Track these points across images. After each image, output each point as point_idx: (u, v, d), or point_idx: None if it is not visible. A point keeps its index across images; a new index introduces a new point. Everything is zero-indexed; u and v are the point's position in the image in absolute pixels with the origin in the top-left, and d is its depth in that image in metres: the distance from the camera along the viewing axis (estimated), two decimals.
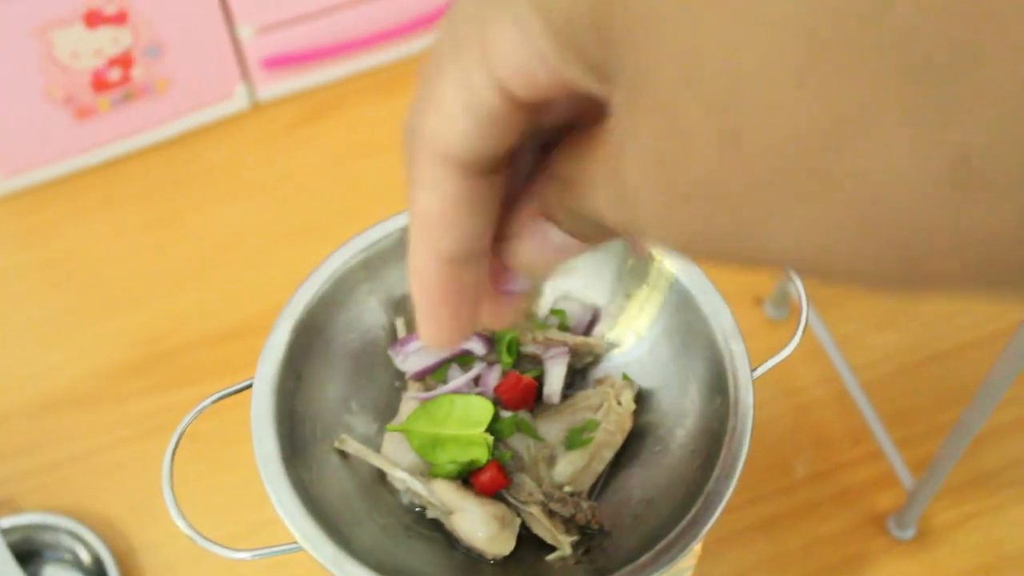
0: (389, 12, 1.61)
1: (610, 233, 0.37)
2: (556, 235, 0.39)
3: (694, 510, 0.80)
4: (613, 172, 0.32)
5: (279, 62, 1.58)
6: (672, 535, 0.80)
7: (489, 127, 0.35)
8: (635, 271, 0.92)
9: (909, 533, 1.27)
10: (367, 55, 1.66)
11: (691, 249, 0.31)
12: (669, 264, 0.89)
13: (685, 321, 0.90)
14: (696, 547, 0.99)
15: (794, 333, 0.89)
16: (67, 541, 1.23)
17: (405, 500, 0.89)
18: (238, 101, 1.62)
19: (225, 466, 1.31)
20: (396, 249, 0.92)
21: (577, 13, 0.29)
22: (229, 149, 1.61)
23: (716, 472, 0.82)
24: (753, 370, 0.86)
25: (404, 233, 0.92)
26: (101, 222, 1.56)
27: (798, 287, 0.91)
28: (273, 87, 1.63)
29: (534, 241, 0.40)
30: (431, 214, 0.38)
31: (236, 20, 1.51)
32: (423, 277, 0.40)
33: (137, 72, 1.49)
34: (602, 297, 0.95)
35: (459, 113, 0.35)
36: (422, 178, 0.38)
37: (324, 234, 1.45)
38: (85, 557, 1.22)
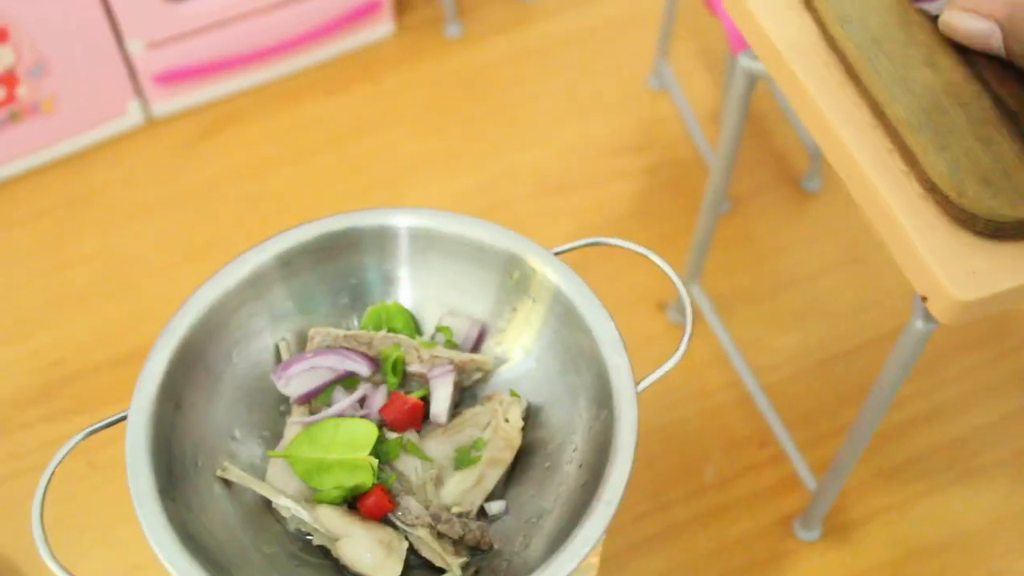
0: (283, 25, 1.59)
1: None
2: None
3: (581, 527, 0.79)
4: None
5: (172, 77, 1.55)
6: (559, 553, 0.78)
7: None
8: (519, 284, 0.91)
9: (815, 534, 1.27)
10: (263, 68, 1.63)
11: None
12: (551, 276, 0.88)
13: (569, 335, 0.89)
14: (594, 560, 0.98)
15: (685, 343, 0.88)
16: None
17: (291, 527, 0.87)
18: (132, 118, 1.58)
19: (117, 500, 1.27)
20: (277, 270, 0.90)
21: None
22: (124, 168, 1.58)
23: (602, 486, 0.80)
24: (638, 383, 0.85)
25: (285, 255, 0.90)
26: None
27: (683, 296, 0.90)
28: (168, 103, 1.60)
29: None
30: None
31: (125, 35, 1.48)
32: None
33: (22, 91, 1.45)
34: (488, 312, 0.93)
35: None
36: None
37: (225, 252, 1.42)
38: None
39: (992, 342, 1.45)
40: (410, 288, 0.94)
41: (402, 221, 0.91)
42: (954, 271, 0.79)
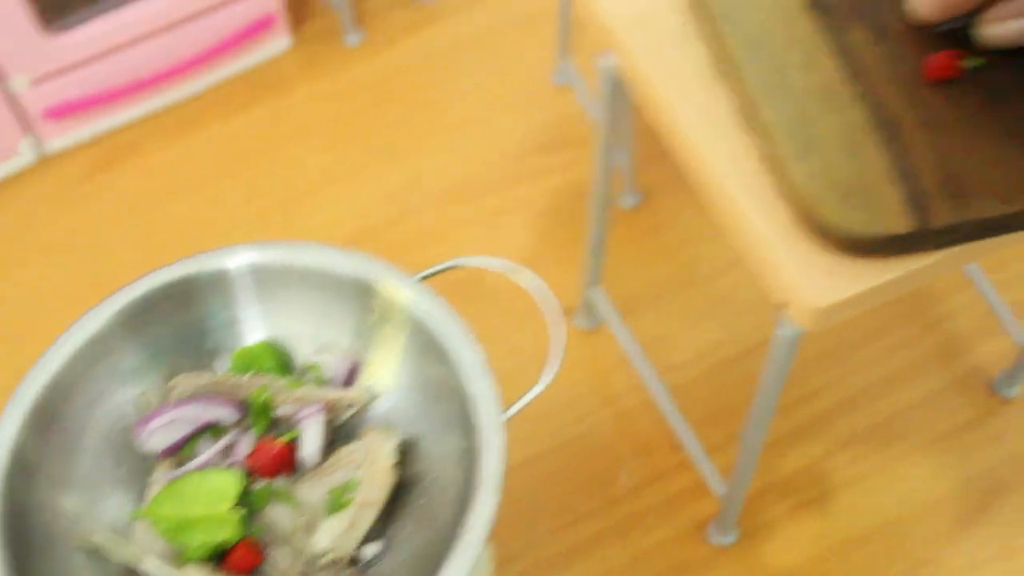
0: (174, 48, 1.55)
1: None
2: None
3: (448, 564, 0.77)
4: None
5: (63, 111, 1.52)
6: None
7: None
8: (383, 313, 0.89)
9: (731, 537, 1.26)
10: (159, 93, 1.60)
11: None
12: (411, 303, 0.86)
13: (433, 364, 0.86)
14: None
15: (555, 366, 0.86)
16: None
17: None
18: (24, 157, 1.55)
19: None
20: (126, 324, 0.87)
21: None
22: (19, 208, 1.55)
23: (471, 519, 0.78)
24: (506, 410, 0.83)
25: (129, 309, 0.88)
26: None
27: (551, 316, 0.87)
28: (61, 138, 1.57)
29: None
30: None
31: (7, 72, 1.44)
32: None
33: None
34: (357, 344, 0.91)
35: None
36: None
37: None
38: None
39: (908, 321, 1.44)
40: (272, 326, 0.92)
41: (241, 260, 0.89)
42: (808, 278, 0.77)
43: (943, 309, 1.45)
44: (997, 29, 0.84)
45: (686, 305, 1.44)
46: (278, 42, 1.67)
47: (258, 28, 1.61)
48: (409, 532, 0.87)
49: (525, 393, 0.86)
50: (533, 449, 1.32)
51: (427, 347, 0.87)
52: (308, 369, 0.93)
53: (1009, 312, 1.40)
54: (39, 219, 1.54)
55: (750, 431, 1.02)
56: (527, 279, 0.88)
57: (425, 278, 0.89)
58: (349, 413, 0.91)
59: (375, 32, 1.73)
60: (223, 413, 0.89)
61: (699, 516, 1.28)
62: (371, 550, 0.86)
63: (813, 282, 0.77)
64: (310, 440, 0.89)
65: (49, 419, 0.84)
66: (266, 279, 0.90)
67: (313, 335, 0.93)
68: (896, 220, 0.76)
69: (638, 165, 1.53)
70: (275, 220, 1.52)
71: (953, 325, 1.44)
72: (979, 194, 0.77)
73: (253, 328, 0.92)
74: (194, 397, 0.89)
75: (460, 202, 1.54)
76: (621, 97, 1.04)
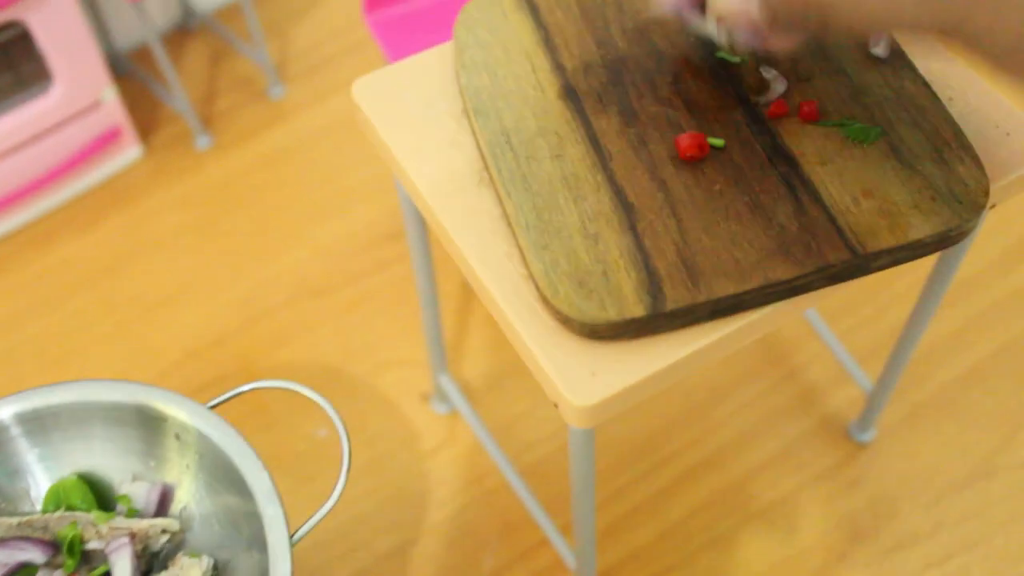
0: (23, 167, 1.56)
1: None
2: None
3: None
4: None
5: None
6: None
7: None
8: (180, 441, 0.89)
9: None
10: (10, 213, 1.61)
11: None
12: (203, 430, 0.87)
13: (229, 489, 0.87)
14: None
15: (340, 486, 0.87)
16: None
17: None
18: None
19: None
20: None
21: None
22: None
23: None
24: (292, 534, 0.83)
25: None
26: None
27: (334, 419, 0.88)
28: None
29: None
30: None
31: None
32: None
33: None
34: (162, 472, 0.92)
35: None
36: None
37: None
38: None
39: (761, 375, 1.46)
40: (78, 461, 0.93)
41: (16, 408, 0.90)
42: (573, 378, 0.78)
43: (794, 362, 1.48)
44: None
45: (531, 386, 1.45)
46: (128, 152, 1.68)
47: (105, 141, 1.62)
48: None
49: (311, 517, 0.87)
50: (399, 537, 1.32)
51: (221, 473, 0.88)
52: (118, 501, 0.93)
53: (853, 361, 1.43)
54: None
55: (576, 513, 1.03)
56: (313, 396, 0.90)
57: (215, 406, 0.90)
58: (163, 540, 0.92)
59: (224, 134, 1.75)
60: (33, 554, 0.89)
61: None
62: None
63: (577, 383, 0.78)
64: (120, 572, 0.89)
65: None
66: (53, 421, 0.91)
67: (122, 466, 0.94)
68: (629, 306, 0.78)
69: None
70: (130, 334, 1.52)
71: (805, 376, 1.47)
72: (713, 275, 0.79)
73: (61, 465, 0.93)
74: (3, 541, 0.89)
75: (313, 298, 1.55)
76: (415, 216, 1.07)
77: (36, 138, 1.56)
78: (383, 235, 1.61)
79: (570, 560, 1.24)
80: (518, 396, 1.44)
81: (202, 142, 1.72)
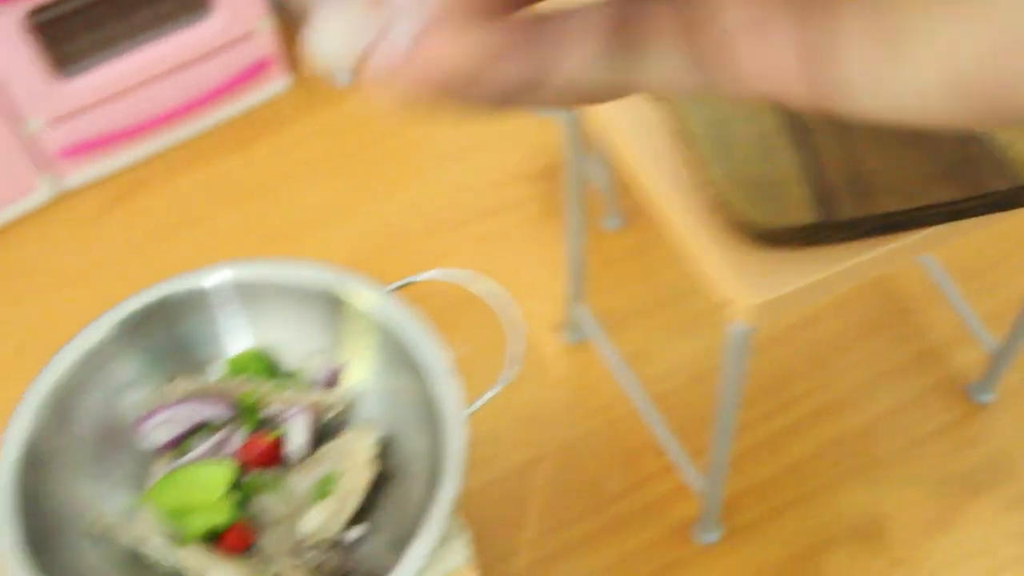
0: (180, 89, 1.64)
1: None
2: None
3: (414, 545, 0.83)
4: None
5: (78, 150, 1.61)
6: (400, 565, 0.83)
7: None
8: (358, 321, 0.96)
9: (714, 536, 1.31)
10: (166, 132, 1.69)
11: None
12: (385, 311, 0.93)
13: (402, 369, 0.94)
14: None
15: (511, 371, 0.92)
16: None
17: (162, 571, 0.92)
18: (42, 193, 1.64)
19: None
20: (128, 334, 0.95)
21: None
22: (39, 242, 1.63)
23: (435, 505, 0.85)
24: (470, 405, 0.89)
25: (129, 321, 0.96)
26: None
27: (511, 324, 0.94)
28: (78, 174, 1.65)
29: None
30: None
31: (24, 114, 1.53)
32: None
33: None
34: (337, 350, 0.98)
35: None
36: None
37: None
38: None
39: (884, 331, 1.49)
40: (259, 336, 1.00)
41: (225, 277, 0.97)
42: (745, 278, 0.84)
43: (918, 320, 1.51)
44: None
45: (666, 321, 1.50)
46: (277, 83, 1.76)
47: (256, 71, 1.70)
48: (388, 517, 0.94)
49: (483, 395, 0.92)
50: (527, 455, 1.38)
51: (398, 352, 0.94)
52: (294, 374, 1.00)
53: (979, 321, 1.45)
54: (57, 252, 1.62)
55: (719, 425, 1.08)
56: (487, 287, 0.95)
57: (395, 290, 0.97)
58: (331, 414, 0.98)
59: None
60: (216, 412, 0.96)
61: (684, 517, 1.34)
62: (354, 533, 0.93)
63: (748, 282, 0.84)
64: (296, 436, 0.96)
65: (58, 418, 0.92)
66: (250, 294, 0.97)
67: (297, 343, 1.00)
68: (803, 213, 0.83)
69: (620, 190, 1.60)
70: (276, 250, 1.60)
71: (928, 335, 1.49)
72: (882, 192, 0.84)
73: (243, 338, 1.00)
74: (189, 398, 0.96)
75: (452, 228, 1.61)
76: (577, 131, 1.12)
77: (192, 63, 1.63)
78: (521, 175, 1.67)
79: (697, 485, 1.28)
80: (647, 331, 1.49)
81: (345, 77, 1.79)
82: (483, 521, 1.32)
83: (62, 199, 1.67)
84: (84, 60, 1.56)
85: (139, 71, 1.59)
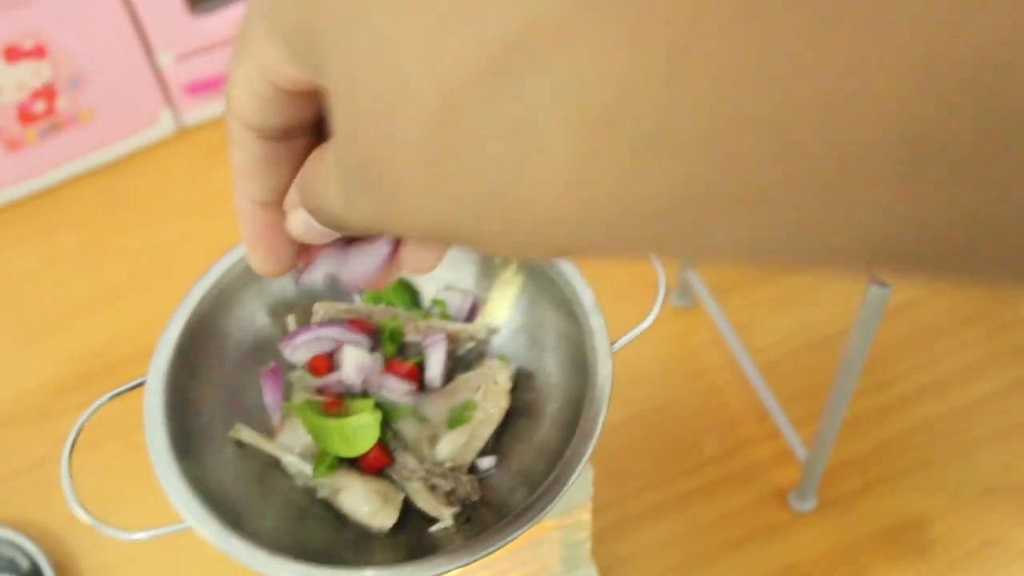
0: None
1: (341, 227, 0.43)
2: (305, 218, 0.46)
3: (553, 474, 0.86)
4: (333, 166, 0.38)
5: (201, 87, 1.65)
6: (535, 503, 0.85)
7: (267, 104, 0.43)
8: (505, 257, 0.98)
9: (809, 505, 1.33)
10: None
11: (375, 227, 0.37)
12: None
13: (549, 302, 0.96)
14: (585, 517, 1.05)
15: (658, 307, 0.95)
16: (6, 550, 1.29)
17: (299, 483, 0.95)
18: (164, 127, 1.68)
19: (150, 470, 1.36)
20: None
21: (287, 19, 0.36)
22: (157, 174, 1.67)
23: (575, 437, 0.87)
24: (613, 343, 0.92)
25: None
26: (37, 249, 1.62)
27: (660, 275, 0.96)
28: (197, 112, 1.69)
29: (298, 216, 0.47)
30: (239, 166, 0.48)
31: (155, 48, 1.57)
32: (243, 216, 0.50)
33: (61, 103, 1.55)
34: (477, 284, 1.01)
35: (245, 92, 0.44)
36: (232, 136, 0.47)
37: None
38: (24, 563, 1.28)
39: (986, 319, 1.50)
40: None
41: None
42: None
43: (1020, 310, 1.51)
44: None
45: (772, 292, 1.52)
46: None
47: None
48: (520, 451, 0.96)
49: (631, 330, 0.94)
50: (627, 412, 1.41)
51: (543, 289, 0.96)
52: (434, 304, 1.03)
53: None
54: (175, 184, 1.67)
55: (836, 389, 1.09)
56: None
57: None
58: (469, 345, 1.01)
59: None
60: (358, 336, 0.99)
61: (781, 483, 1.36)
62: (486, 462, 0.96)
63: None
64: (434, 364, 0.98)
65: (209, 327, 0.95)
66: None
67: (440, 276, 1.03)
68: None
69: None
70: None
71: None
72: None
73: None
74: (334, 321, 0.99)
75: None
76: None
77: None
78: None
79: (799, 452, 1.30)
80: (750, 304, 1.51)
81: None
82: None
83: (182, 134, 1.71)
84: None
85: None
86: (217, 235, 1.61)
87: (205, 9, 1.59)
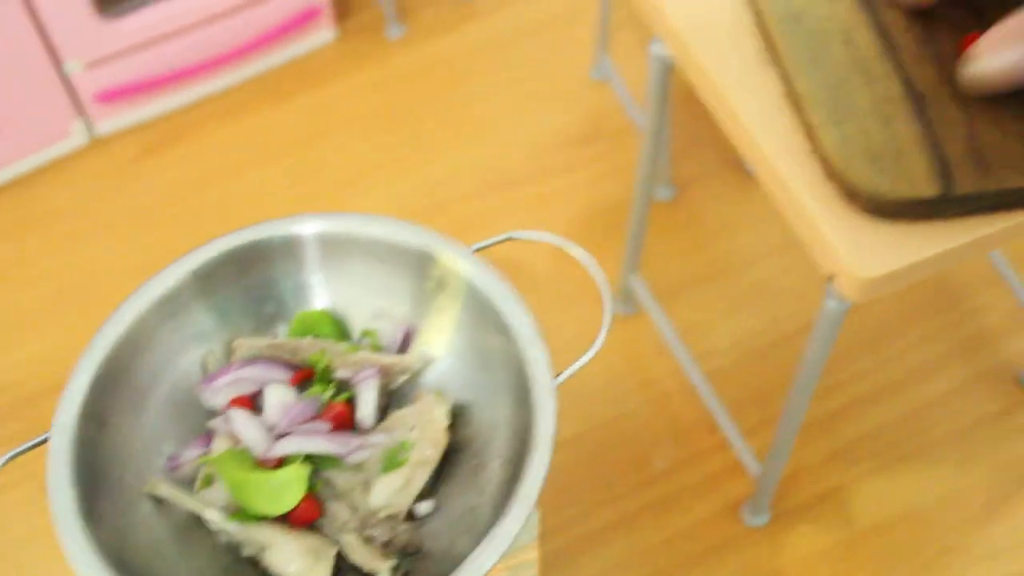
0: (222, 37, 1.59)
1: None
2: None
3: (499, 524, 0.80)
4: None
5: (114, 95, 1.56)
6: (479, 551, 0.79)
7: None
8: (438, 283, 0.92)
9: (763, 519, 1.28)
10: (206, 81, 1.64)
11: None
12: (466, 273, 0.89)
13: (487, 331, 0.89)
14: (531, 556, 0.99)
15: (602, 337, 0.89)
16: None
17: (223, 540, 0.88)
18: (76, 138, 1.59)
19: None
20: (194, 286, 0.91)
21: None
22: (71, 188, 1.59)
23: (521, 482, 0.81)
24: (556, 375, 0.86)
25: (199, 271, 0.91)
26: None
27: (602, 288, 0.90)
28: (112, 121, 1.60)
29: None
30: None
31: (62, 56, 1.48)
32: None
33: None
34: (412, 312, 0.94)
35: None
36: None
37: None
38: None
39: (938, 314, 1.46)
40: (332, 293, 0.95)
41: (309, 228, 0.92)
42: (856, 250, 0.80)
43: (971, 305, 1.48)
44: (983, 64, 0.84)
45: (722, 293, 1.47)
46: (323, 34, 1.71)
47: (303, 20, 1.65)
48: (461, 492, 0.90)
49: (572, 363, 0.88)
50: (572, 430, 1.35)
51: (482, 316, 0.90)
52: (365, 335, 0.96)
53: None
54: (90, 199, 1.58)
55: (791, 403, 1.04)
56: (577, 252, 0.92)
57: (479, 250, 0.92)
58: (404, 378, 0.94)
59: (416, 26, 1.77)
60: (284, 375, 0.92)
61: (733, 497, 1.31)
62: (424, 508, 0.89)
63: (860, 254, 0.80)
64: (366, 402, 0.92)
65: (119, 373, 0.88)
66: (332, 248, 0.93)
67: (370, 303, 0.96)
68: (922, 185, 0.80)
69: (672, 159, 1.56)
70: (317, 206, 1.56)
71: (981, 320, 1.46)
72: (1002, 166, 0.81)
73: (314, 295, 0.95)
74: (257, 359, 0.92)
75: (497, 192, 1.57)
76: (668, 85, 1.07)
77: (239, 8, 1.59)
78: (571, 138, 1.63)
79: (751, 465, 1.25)
80: (700, 305, 1.45)
81: (394, 32, 1.74)
82: None
83: (96, 145, 1.63)
84: (128, 1, 1.51)
85: (184, 15, 1.54)
86: (139, 253, 1.53)
87: (117, 12, 1.50)
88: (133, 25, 1.51)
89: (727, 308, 1.46)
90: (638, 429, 1.36)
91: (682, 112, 1.60)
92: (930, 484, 1.34)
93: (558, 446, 1.32)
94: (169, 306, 0.90)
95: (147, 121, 1.64)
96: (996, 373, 1.42)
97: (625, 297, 1.42)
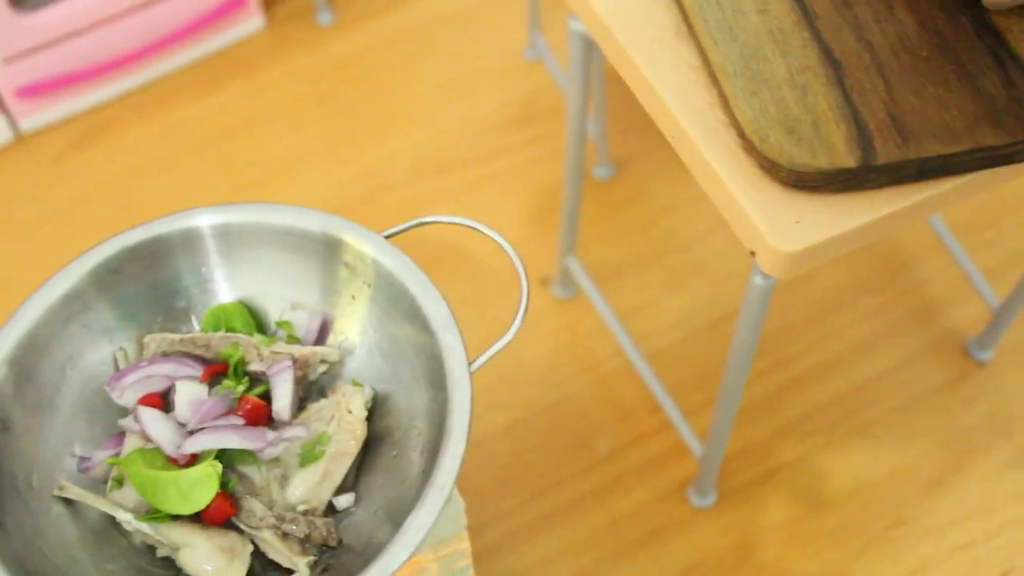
0: (147, 27, 1.55)
1: None
2: None
3: (415, 514, 0.77)
4: None
5: (36, 90, 1.52)
6: (393, 544, 0.76)
7: None
8: (351, 270, 0.89)
9: (710, 499, 1.26)
10: (132, 73, 1.60)
11: None
12: (378, 259, 0.87)
13: (401, 318, 0.87)
14: (462, 547, 0.97)
15: (518, 322, 0.86)
16: None
17: (137, 541, 0.85)
18: None
19: None
20: (96, 284, 0.87)
21: None
22: None
23: (435, 471, 0.79)
24: (472, 362, 0.83)
25: (98, 269, 0.88)
26: None
27: (521, 275, 0.88)
28: (35, 117, 1.56)
29: None
30: None
31: None
32: None
33: None
34: (326, 301, 0.91)
35: None
36: None
37: None
38: None
39: (884, 286, 1.45)
40: (238, 285, 0.92)
41: (206, 220, 0.89)
42: (777, 224, 0.78)
43: (917, 275, 1.46)
44: None
45: (662, 273, 1.45)
46: (252, 22, 1.67)
47: (231, 8, 1.62)
48: (381, 483, 0.87)
49: (491, 347, 0.86)
50: (512, 416, 1.32)
51: (394, 303, 0.87)
52: (279, 327, 0.93)
53: (982, 277, 1.41)
54: (15, 197, 1.54)
55: (727, 384, 1.02)
56: (491, 233, 0.89)
57: (391, 236, 0.89)
58: (321, 370, 0.92)
59: (347, 12, 1.73)
60: (196, 370, 0.89)
61: (678, 478, 1.29)
62: (344, 501, 0.87)
63: (780, 228, 0.78)
64: (281, 395, 0.89)
65: (25, 374, 0.84)
66: (233, 239, 0.90)
67: (283, 294, 0.93)
68: (840, 156, 0.77)
69: (610, 138, 1.54)
70: (246, 198, 1.52)
71: (927, 290, 1.45)
72: (922, 134, 0.78)
73: (224, 288, 0.92)
74: (168, 355, 0.89)
75: (433, 177, 1.55)
76: (589, 61, 1.05)
77: None
78: (507, 120, 1.60)
79: (695, 445, 1.23)
80: (640, 286, 1.43)
81: (324, 18, 1.71)
82: (466, 487, 1.27)
83: (19, 142, 1.58)
84: None
85: (104, 6, 1.50)
86: (66, 254, 1.48)
87: (30, 6, 1.46)
88: (48, 18, 1.47)
89: (669, 288, 1.43)
90: (580, 413, 1.33)
91: (619, 89, 1.57)
92: (878, 458, 1.32)
93: (498, 435, 1.31)
94: (72, 305, 0.87)
95: (73, 116, 1.60)
96: (943, 343, 1.41)
97: (563, 280, 1.39)
